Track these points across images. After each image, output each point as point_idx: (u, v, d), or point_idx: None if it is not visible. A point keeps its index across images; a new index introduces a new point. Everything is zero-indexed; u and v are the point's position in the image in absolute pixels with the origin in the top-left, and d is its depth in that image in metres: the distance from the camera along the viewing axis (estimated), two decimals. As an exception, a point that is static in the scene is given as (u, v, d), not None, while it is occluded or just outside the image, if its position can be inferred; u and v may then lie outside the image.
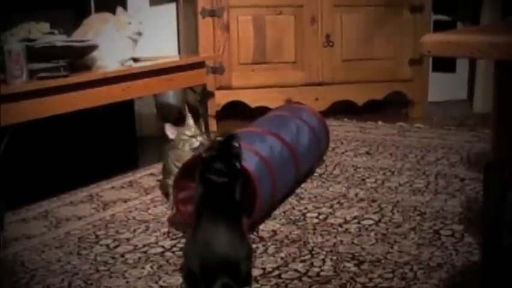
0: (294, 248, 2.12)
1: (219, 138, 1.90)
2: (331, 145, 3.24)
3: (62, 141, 3.20)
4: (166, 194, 2.65)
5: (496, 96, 1.29)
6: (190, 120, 2.59)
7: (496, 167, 1.24)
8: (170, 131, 2.55)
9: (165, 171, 2.61)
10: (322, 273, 1.94)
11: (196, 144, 2.52)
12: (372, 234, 2.23)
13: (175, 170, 2.48)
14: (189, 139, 2.53)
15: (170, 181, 2.52)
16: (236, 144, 1.89)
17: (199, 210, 1.87)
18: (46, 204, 2.64)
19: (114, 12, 3.08)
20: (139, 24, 3.03)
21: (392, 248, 2.10)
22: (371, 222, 2.34)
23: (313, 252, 2.09)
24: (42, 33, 2.86)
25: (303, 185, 2.78)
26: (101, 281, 1.93)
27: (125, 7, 3.56)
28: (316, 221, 2.37)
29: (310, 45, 4.02)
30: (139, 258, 2.09)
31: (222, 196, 1.87)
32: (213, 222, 1.81)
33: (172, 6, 4.22)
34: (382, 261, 2.01)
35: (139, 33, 3.04)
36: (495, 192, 1.23)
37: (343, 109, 4.19)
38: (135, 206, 2.61)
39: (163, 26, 4.09)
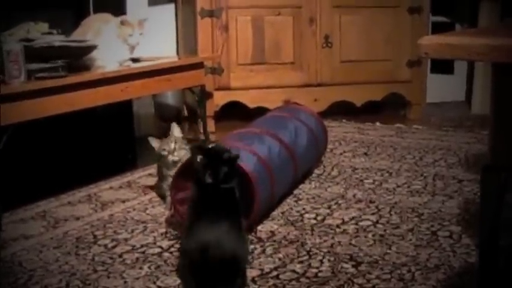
0: (292, 249, 2.13)
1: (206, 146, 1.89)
2: (329, 146, 3.24)
3: (60, 141, 3.20)
4: (161, 196, 2.65)
5: (494, 98, 1.30)
6: (175, 130, 2.59)
7: (494, 169, 1.24)
8: (154, 143, 2.58)
9: (160, 174, 2.62)
10: (320, 274, 1.94)
11: (174, 159, 2.53)
12: (370, 235, 2.23)
13: (167, 176, 2.51)
14: (166, 156, 2.54)
15: (165, 184, 2.54)
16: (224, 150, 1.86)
17: (196, 209, 1.86)
18: (44, 204, 2.64)
19: (112, 13, 3.08)
20: (139, 35, 3.03)
21: (390, 249, 2.10)
22: (369, 223, 2.34)
23: (311, 253, 2.09)
24: (41, 33, 2.86)
25: (301, 186, 2.78)
26: (99, 281, 1.93)
27: (123, 7, 3.56)
28: (314, 221, 2.37)
29: (308, 46, 4.02)
30: (137, 258, 2.09)
31: (222, 196, 1.87)
32: (212, 222, 1.80)
33: (171, 7, 4.22)
34: (380, 262, 2.01)
35: (137, 44, 3.06)
36: (492, 194, 1.24)
37: (341, 110, 4.20)
38: (133, 206, 2.61)
39: (162, 26, 4.08)
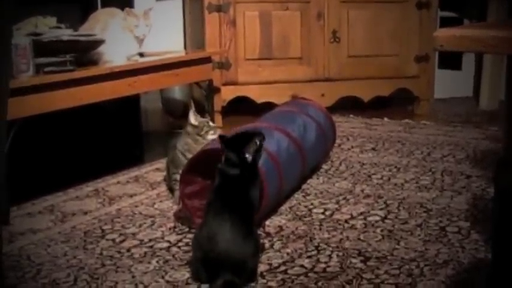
0: (300, 244, 2.12)
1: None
2: (337, 141, 3.23)
3: (68, 135, 3.20)
4: (171, 189, 2.64)
5: (508, 92, 1.29)
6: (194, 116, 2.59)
7: (508, 163, 1.23)
8: (193, 117, 2.54)
9: (173, 165, 2.59)
10: (328, 269, 1.94)
11: (216, 135, 2.52)
12: (378, 230, 2.22)
13: (184, 161, 2.47)
14: (214, 128, 2.53)
15: (178, 175, 2.52)
16: (257, 142, 1.91)
17: (210, 203, 1.87)
18: (52, 198, 2.64)
19: (120, 7, 3.07)
20: (145, 27, 3.03)
21: (398, 244, 2.10)
22: (377, 218, 2.34)
23: (320, 248, 2.08)
24: (49, 27, 2.86)
25: (309, 181, 2.77)
26: (107, 276, 1.93)
27: (131, 2, 3.55)
28: (322, 216, 2.37)
29: (316, 41, 4.01)
30: (145, 253, 2.09)
31: (233, 191, 1.87)
32: (219, 217, 1.81)
33: (179, 1, 4.22)
34: (389, 257, 2.00)
35: (144, 36, 3.04)
36: (506, 188, 1.23)
37: (349, 105, 4.19)
38: (141, 200, 2.60)
39: (169, 20, 4.08)
